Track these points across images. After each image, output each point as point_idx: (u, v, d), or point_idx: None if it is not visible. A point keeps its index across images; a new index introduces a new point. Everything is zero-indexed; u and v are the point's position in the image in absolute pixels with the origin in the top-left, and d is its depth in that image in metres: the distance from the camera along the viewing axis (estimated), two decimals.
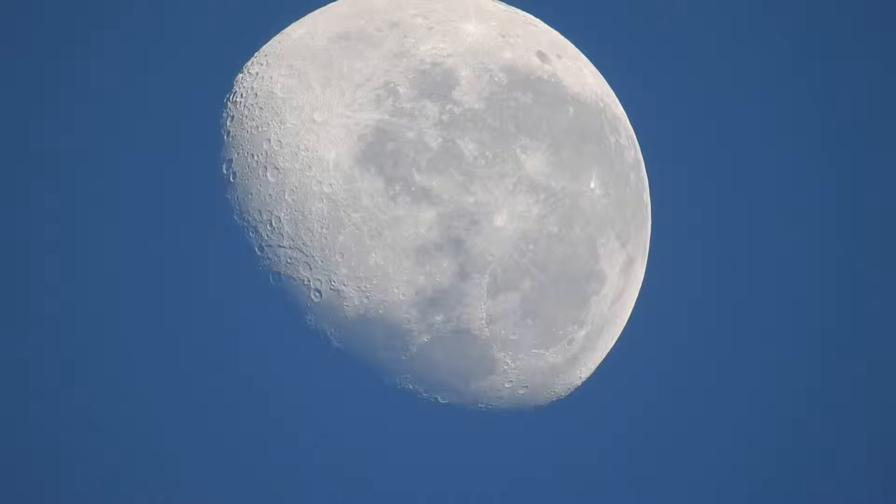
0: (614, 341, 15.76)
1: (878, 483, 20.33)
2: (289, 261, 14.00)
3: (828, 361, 20.72)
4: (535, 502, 19.66)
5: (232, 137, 14.50)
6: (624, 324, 15.77)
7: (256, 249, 14.12)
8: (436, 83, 14.05)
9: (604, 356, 15.71)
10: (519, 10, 15.44)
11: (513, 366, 14.48)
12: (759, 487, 20.35)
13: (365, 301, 13.89)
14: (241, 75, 15.05)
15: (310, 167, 13.91)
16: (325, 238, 13.86)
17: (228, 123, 14.62)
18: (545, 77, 14.51)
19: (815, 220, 20.92)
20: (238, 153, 14.36)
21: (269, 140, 14.18)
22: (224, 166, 14.43)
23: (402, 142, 13.83)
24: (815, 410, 20.64)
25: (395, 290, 13.87)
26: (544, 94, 14.37)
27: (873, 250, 20.80)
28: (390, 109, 13.92)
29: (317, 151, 13.93)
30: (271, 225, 14.05)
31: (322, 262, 13.89)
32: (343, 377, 14.26)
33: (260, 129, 14.30)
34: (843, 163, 20.94)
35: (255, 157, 14.21)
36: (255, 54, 15.22)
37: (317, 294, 13.97)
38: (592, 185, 14.46)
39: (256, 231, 14.12)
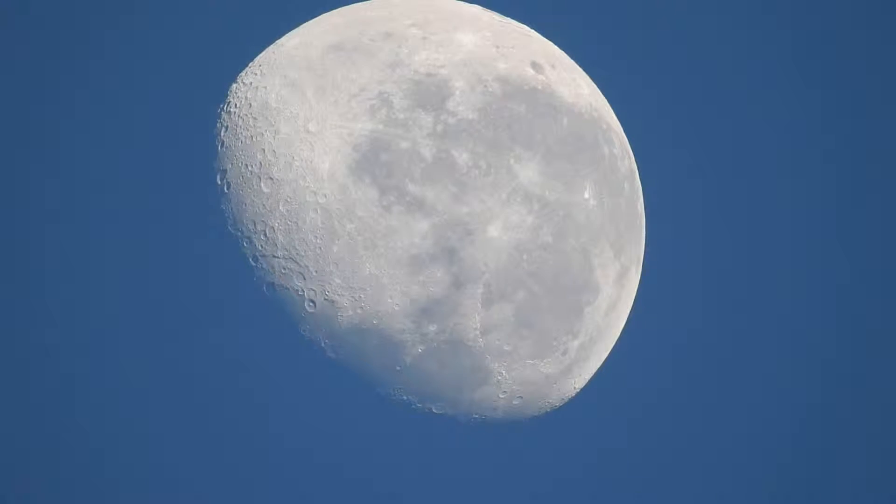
0: (608, 351, 15.75)
1: (878, 486, 20.33)
2: (283, 271, 13.99)
3: (827, 370, 20.73)
4: None
5: (226, 148, 14.49)
6: (618, 334, 15.76)
7: (250, 260, 14.11)
8: (430, 93, 14.05)
9: (598, 366, 15.70)
10: (513, 21, 15.44)
11: (507, 376, 14.46)
12: (758, 487, 20.36)
13: (359, 311, 13.88)
14: (235, 85, 15.04)
15: (304, 177, 13.90)
16: (320, 248, 13.85)
17: (222, 133, 14.61)
18: (539, 87, 14.51)
19: (812, 229, 20.92)
20: (232, 163, 14.35)
21: (264, 150, 14.17)
22: (218, 177, 14.42)
23: (396, 152, 13.83)
24: (813, 417, 20.64)
25: (389, 301, 13.85)
26: (538, 105, 14.36)
27: (873, 260, 20.81)
28: (384, 119, 13.92)
29: (311, 162, 13.92)
30: (265, 235, 14.05)
31: (316, 272, 13.88)
32: (337, 387, 14.24)
33: (254, 140, 14.29)
34: (843, 171, 20.95)
35: (250, 168, 14.20)
36: (250, 64, 15.21)
37: (311, 304, 13.96)
38: (586, 195, 14.46)
39: (250, 241, 14.11)
